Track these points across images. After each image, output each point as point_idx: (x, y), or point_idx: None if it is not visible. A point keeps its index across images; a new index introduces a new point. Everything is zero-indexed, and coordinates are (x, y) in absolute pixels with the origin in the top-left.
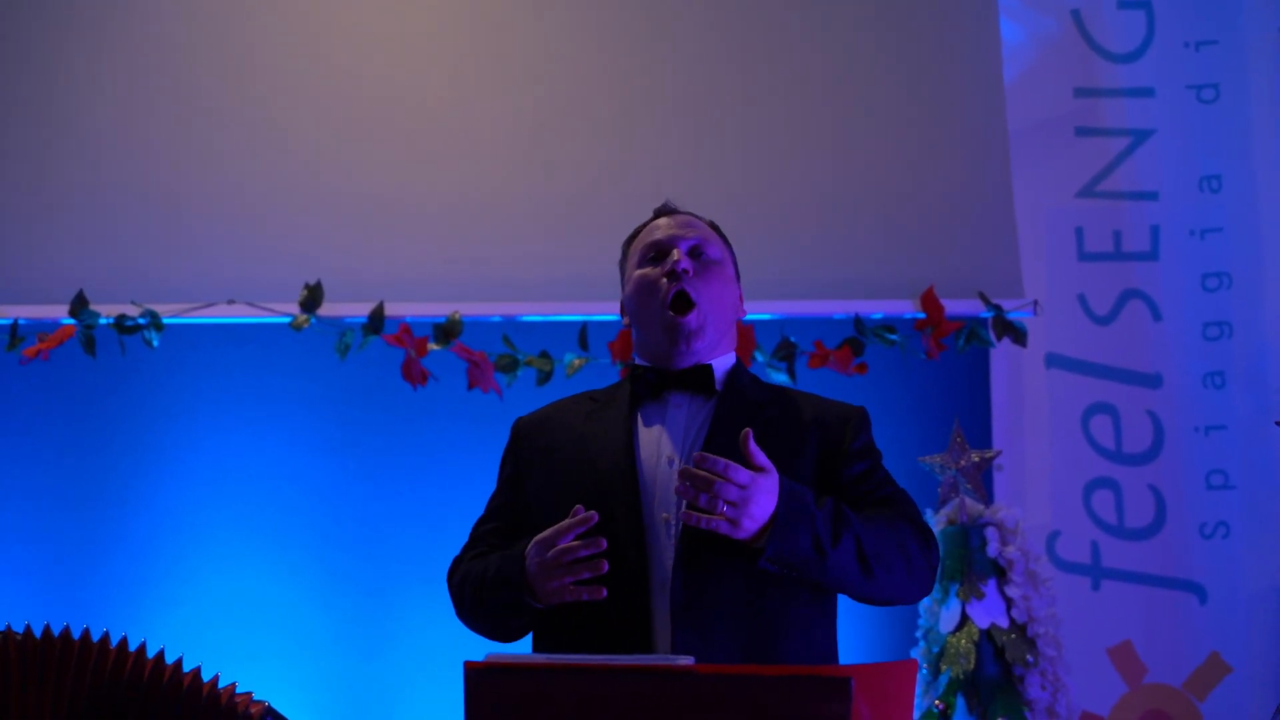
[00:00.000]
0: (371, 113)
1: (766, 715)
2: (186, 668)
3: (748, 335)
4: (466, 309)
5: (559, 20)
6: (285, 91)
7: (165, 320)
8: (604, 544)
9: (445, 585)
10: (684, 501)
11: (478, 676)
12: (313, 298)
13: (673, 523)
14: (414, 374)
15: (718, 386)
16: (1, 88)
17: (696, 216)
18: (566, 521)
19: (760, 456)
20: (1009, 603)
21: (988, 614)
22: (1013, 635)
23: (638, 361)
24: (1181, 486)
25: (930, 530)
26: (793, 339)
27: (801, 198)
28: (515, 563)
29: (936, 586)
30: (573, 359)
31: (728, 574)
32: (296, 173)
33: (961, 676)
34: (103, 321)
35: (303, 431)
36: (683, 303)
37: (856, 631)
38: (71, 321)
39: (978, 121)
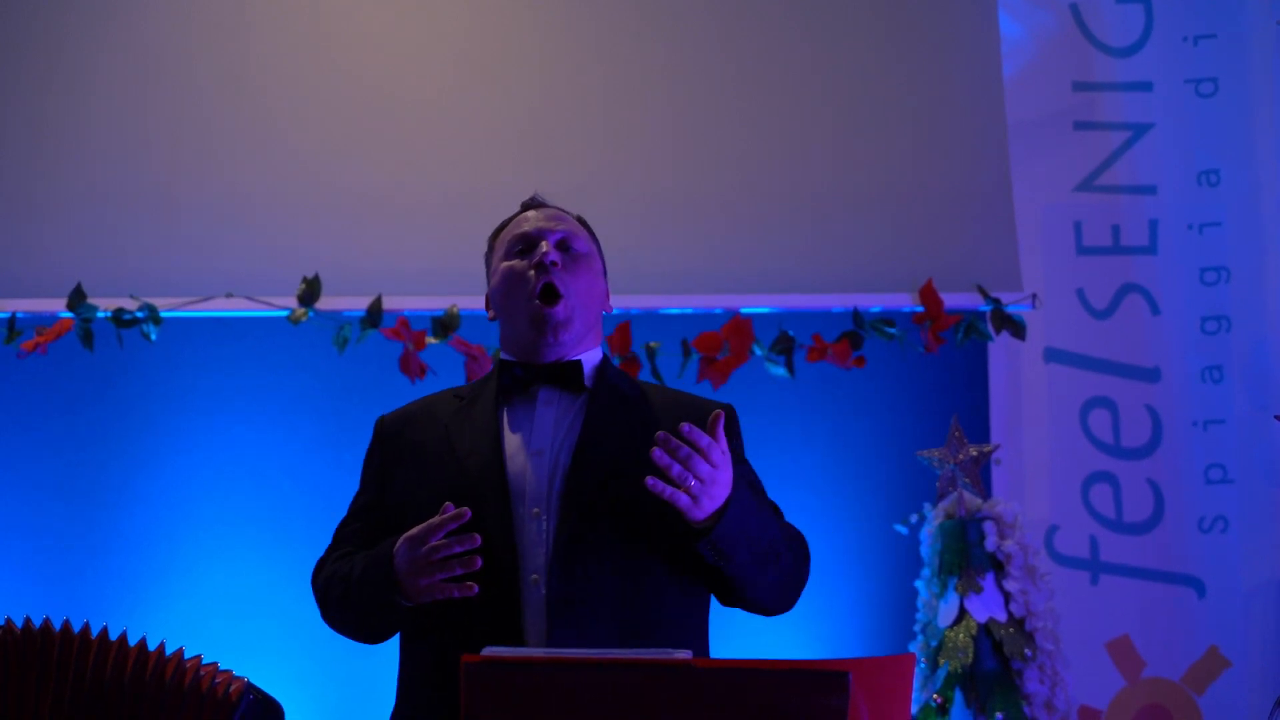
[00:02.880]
0: (370, 106)
1: (764, 709)
2: (176, 658)
3: (745, 329)
4: (465, 302)
5: (556, 15)
6: (283, 86)
7: (163, 314)
8: (477, 540)
9: None
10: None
11: (475, 670)
12: (311, 291)
13: (544, 518)
14: (412, 367)
15: (587, 382)
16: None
17: (564, 211)
18: (437, 518)
19: (723, 442)
20: (1007, 597)
21: (986, 608)
22: (1011, 629)
23: (503, 356)
24: (1180, 481)
25: (807, 547)
26: (791, 333)
27: (800, 192)
28: (383, 561)
29: (935, 580)
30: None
31: (604, 568)
32: (294, 166)
33: (960, 671)
34: (100, 315)
35: (300, 425)
36: (550, 294)
37: (854, 626)
38: (69, 315)
39: (976, 115)
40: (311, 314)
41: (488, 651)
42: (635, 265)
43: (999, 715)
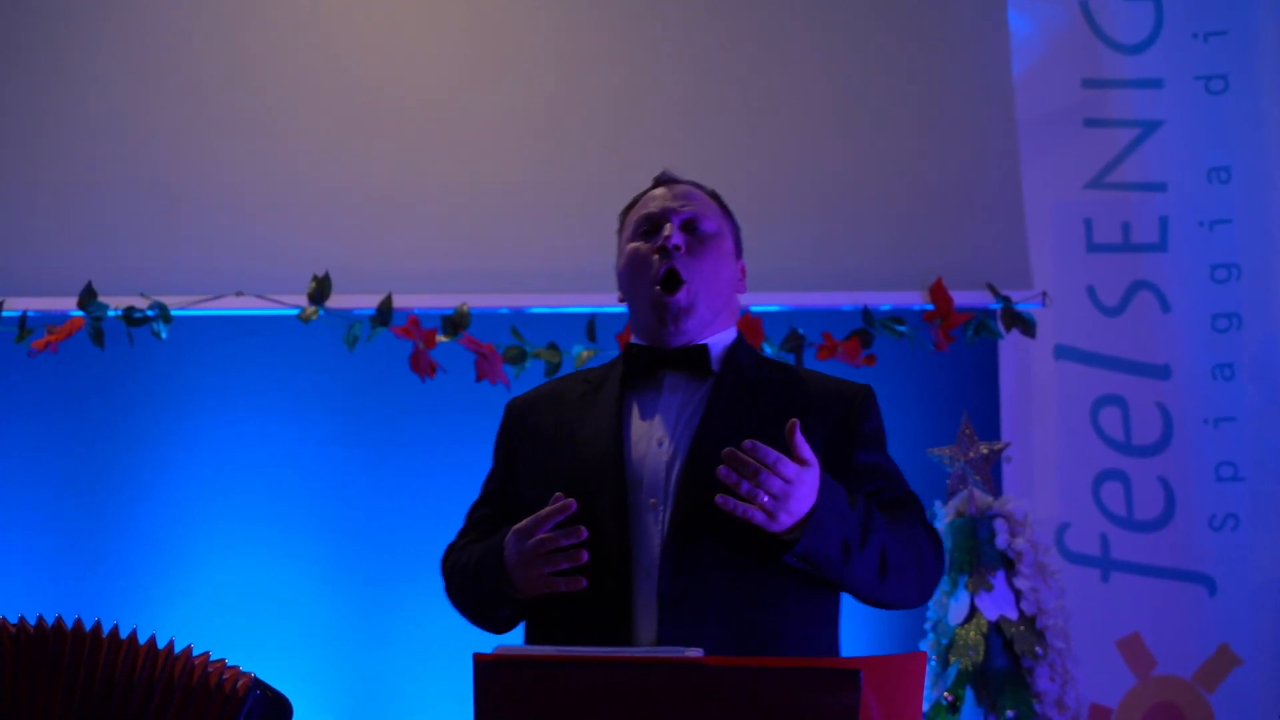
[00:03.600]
0: (380, 104)
1: (775, 707)
2: (185, 655)
3: (755, 327)
4: (475, 301)
5: (566, 10)
6: (293, 83)
7: (173, 312)
8: (584, 534)
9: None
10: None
11: (486, 669)
12: (321, 290)
13: (661, 509)
14: (422, 366)
15: (714, 366)
16: (8, 81)
17: (697, 186)
18: (544, 510)
19: (805, 449)
20: (1018, 595)
21: (996, 606)
22: (1021, 627)
23: (632, 340)
24: (1191, 478)
25: (940, 540)
26: (801, 330)
27: (810, 189)
28: (494, 554)
29: (945, 578)
30: (581, 350)
31: (719, 562)
32: (305, 165)
33: (970, 668)
34: (111, 313)
35: (310, 423)
36: (672, 281)
37: (865, 624)
38: (80, 314)
39: (986, 113)
40: (322, 312)
41: (500, 649)
42: None
43: (1010, 713)
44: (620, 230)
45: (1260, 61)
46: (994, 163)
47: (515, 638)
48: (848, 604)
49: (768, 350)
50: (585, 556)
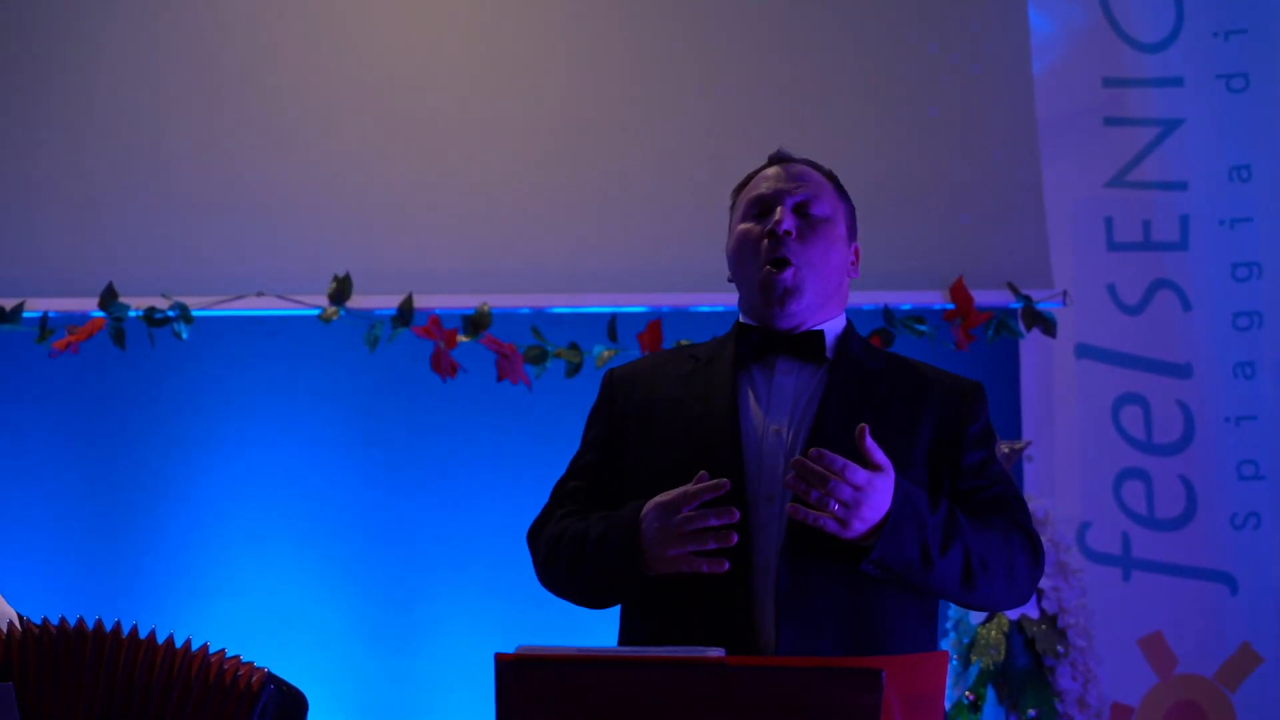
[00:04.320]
0: (401, 105)
1: (798, 707)
2: (202, 653)
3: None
4: (495, 301)
5: (586, 11)
6: (315, 85)
7: (194, 313)
8: (736, 515)
9: (475, 577)
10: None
11: (508, 669)
12: (342, 290)
13: (779, 502)
14: (443, 366)
15: (828, 353)
16: (31, 84)
17: (813, 166)
18: (695, 486)
19: (878, 454)
20: (1039, 594)
21: None
22: (1043, 626)
23: (742, 320)
24: (1212, 477)
25: (1039, 540)
26: None
27: None
28: (628, 525)
29: None
30: (602, 351)
31: (834, 563)
32: (326, 165)
33: (992, 667)
34: (132, 314)
35: (331, 423)
36: (781, 263)
37: None
38: (101, 314)
39: (1007, 112)
40: (343, 312)
41: (521, 649)
42: (665, 263)
43: (1031, 712)
44: (732, 209)
45: None
46: (1014, 162)
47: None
48: None
49: None
50: (735, 538)
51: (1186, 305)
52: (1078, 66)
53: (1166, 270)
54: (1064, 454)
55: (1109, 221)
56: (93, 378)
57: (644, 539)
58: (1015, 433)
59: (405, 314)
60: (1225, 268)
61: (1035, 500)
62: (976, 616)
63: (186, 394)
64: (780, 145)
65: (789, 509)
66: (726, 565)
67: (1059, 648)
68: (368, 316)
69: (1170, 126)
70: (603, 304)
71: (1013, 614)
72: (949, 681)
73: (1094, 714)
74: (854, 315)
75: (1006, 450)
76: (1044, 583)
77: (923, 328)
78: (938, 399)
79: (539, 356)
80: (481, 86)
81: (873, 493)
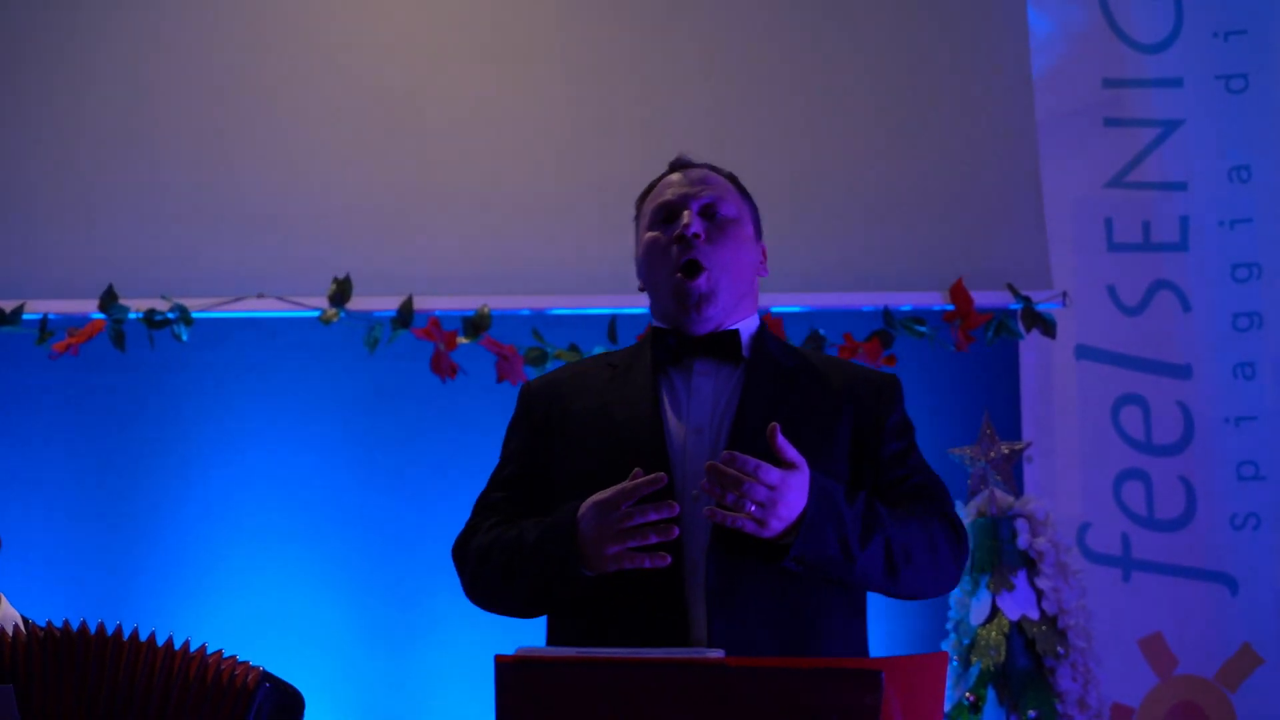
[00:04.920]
0: (401, 107)
1: (798, 708)
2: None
3: (776, 327)
4: (495, 302)
5: (588, 13)
6: (314, 87)
7: (194, 314)
8: (676, 508)
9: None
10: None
11: (508, 670)
12: (341, 291)
13: (704, 501)
14: (443, 367)
15: (744, 353)
16: (31, 85)
17: (714, 169)
18: (633, 482)
19: (791, 452)
20: (1039, 594)
21: (1018, 606)
22: (1043, 627)
23: (656, 324)
24: (1212, 477)
25: (962, 526)
26: (821, 331)
27: (830, 191)
28: (565, 527)
29: (967, 578)
30: (602, 352)
31: (761, 558)
32: (325, 167)
33: (992, 668)
34: (132, 316)
35: (331, 424)
36: (693, 269)
37: (887, 624)
38: (101, 316)
39: (1006, 113)
40: (342, 314)
41: (521, 650)
42: None
43: (1032, 713)
44: (637, 218)
45: None
46: (1014, 162)
47: (535, 629)
48: (869, 607)
49: None
50: (677, 532)
51: (1186, 306)
52: (1077, 67)
53: (1166, 271)
54: (1064, 455)
55: (1109, 222)
56: (93, 379)
57: (583, 538)
58: (1015, 433)
59: (405, 316)
60: (1225, 268)
61: (1035, 501)
62: (977, 618)
63: (186, 396)
64: (778, 146)
65: (706, 513)
66: (669, 559)
67: (1059, 648)
68: (367, 318)
69: (1170, 127)
70: (602, 305)
71: (1013, 614)
72: (949, 682)
73: (1094, 715)
74: (853, 316)
75: (1007, 451)
76: (1044, 583)
77: (923, 329)
78: (855, 393)
79: (539, 358)
80: (481, 89)
81: (787, 491)
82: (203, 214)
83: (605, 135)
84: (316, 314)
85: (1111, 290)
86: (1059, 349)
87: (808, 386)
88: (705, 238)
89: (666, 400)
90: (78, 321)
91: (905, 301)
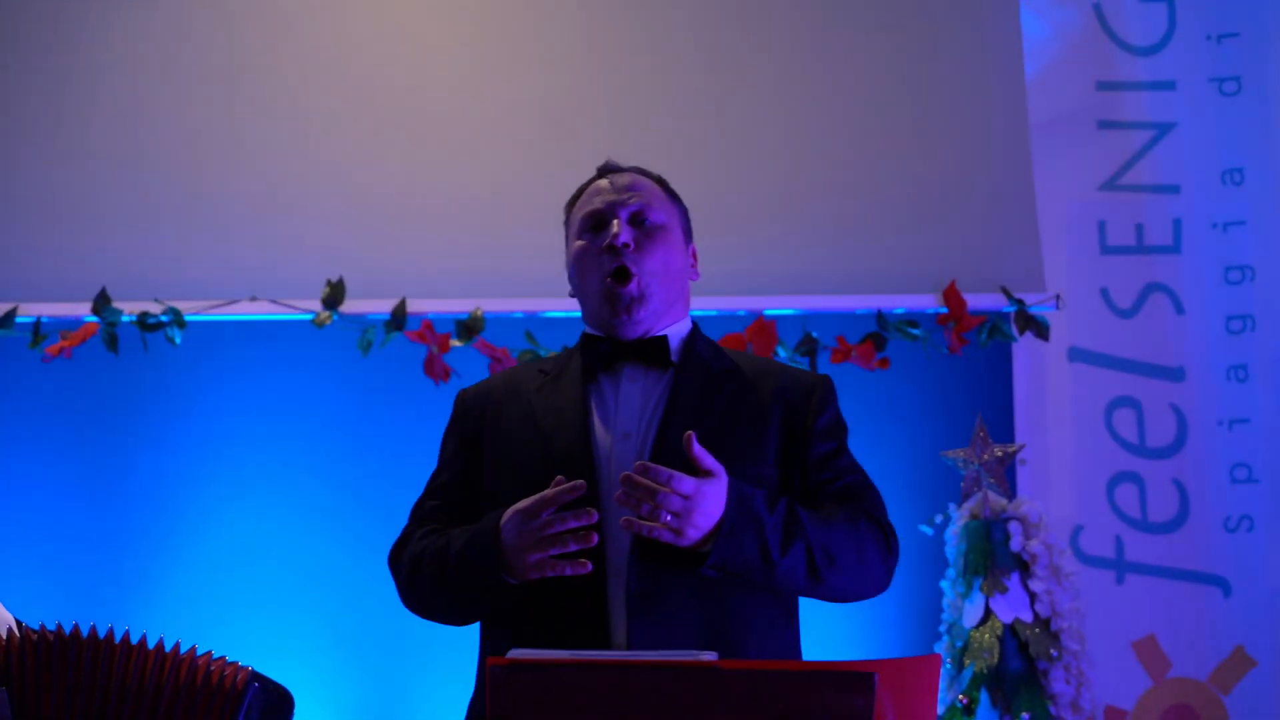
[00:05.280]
0: (393, 109)
1: (790, 710)
2: (189, 656)
3: (769, 330)
4: (489, 305)
5: (581, 16)
6: (306, 89)
7: (188, 317)
8: (595, 516)
9: None
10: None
11: (500, 673)
12: (335, 294)
13: (625, 509)
14: (436, 370)
15: (673, 357)
16: (22, 87)
17: (642, 173)
18: (553, 490)
19: (707, 460)
20: (1032, 597)
21: (1011, 608)
22: (1036, 630)
23: (588, 331)
24: (1205, 480)
25: (890, 528)
26: (815, 334)
27: (823, 193)
28: (488, 535)
29: (960, 581)
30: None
31: (686, 562)
32: (319, 169)
33: (985, 671)
34: (125, 319)
35: (324, 427)
36: (623, 275)
37: (879, 626)
38: (94, 319)
39: (999, 115)
40: (336, 317)
41: (514, 653)
42: None
43: (1025, 715)
44: (566, 224)
45: (1273, 63)
46: (1007, 165)
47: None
48: (853, 606)
49: (781, 354)
50: (596, 539)
51: (1179, 308)
52: (1070, 69)
53: (1159, 274)
54: (1057, 457)
55: (1102, 225)
56: (86, 383)
57: (505, 547)
58: (1008, 436)
59: (398, 318)
60: (1218, 271)
61: (1028, 504)
62: (970, 620)
63: (179, 399)
64: (772, 148)
65: (622, 523)
66: (590, 566)
67: (1052, 651)
68: (361, 321)
69: (1163, 130)
70: None
71: (1006, 617)
72: (942, 685)
73: (1087, 717)
74: (847, 319)
75: (1000, 453)
76: (1037, 586)
77: (916, 331)
78: (785, 396)
79: (532, 360)
80: (474, 91)
81: (703, 500)
82: (196, 217)
83: (597, 140)
84: (310, 317)
85: (1105, 293)
86: (1052, 351)
87: (737, 390)
88: (634, 246)
89: (595, 406)
90: (71, 325)
91: (898, 304)
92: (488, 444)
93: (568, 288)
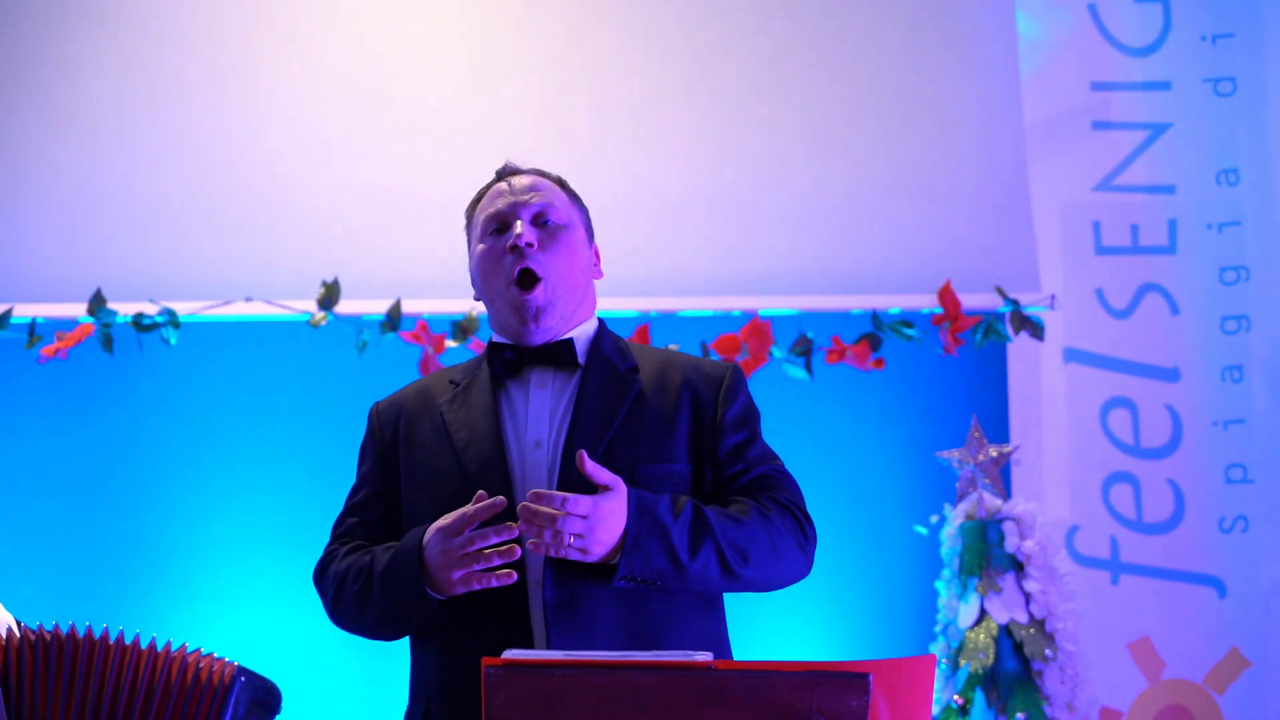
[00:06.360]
0: (388, 109)
1: (785, 710)
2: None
3: (764, 331)
4: (483, 306)
5: (575, 16)
6: (301, 88)
7: (183, 318)
8: (515, 531)
9: None
10: (562, 490)
11: (497, 674)
12: (330, 295)
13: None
14: (431, 371)
15: (580, 359)
16: (18, 88)
17: (542, 174)
18: (473, 507)
19: (602, 475)
20: (1028, 597)
21: (1006, 609)
22: (1031, 630)
23: (494, 338)
24: (1200, 481)
25: (804, 514)
26: (810, 335)
27: (818, 194)
28: (411, 553)
29: (955, 581)
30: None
31: (597, 580)
32: (313, 170)
33: (980, 671)
34: (120, 320)
35: (319, 427)
36: (528, 279)
37: (874, 627)
38: (90, 320)
39: (994, 116)
40: (331, 318)
41: (508, 654)
42: (654, 268)
43: (1020, 716)
44: (467, 228)
45: (1268, 64)
46: (1002, 166)
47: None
48: (849, 607)
49: (776, 355)
50: (519, 553)
51: (1174, 309)
52: (1065, 70)
53: (1154, 274)
54: (1052, 458)
55: (1097, 225)
56: (81, 383)
57: (429, 565)
58: (1003, 436)
59: (393, 319)
60: (1213, 272)
61: (1023, 504)
62: (965, 621)
63: (175, 399)
64: (767, 149)
65: (529, 546)
66: (515, 577)
67: (1047, 652)
68: (356, 322)
69: (1158, 130)
70: None
71: (1001, 618)
72: (937, 685)
73: (1082, 718)
74: (842, 319)
75: (995, 454)
76: (1033, 586)
77: (911, 332)
78: (692, 389)
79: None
80: (470, 91)
81: (602, 516)
82: (191, 218)
83: (592, 140)
84: (305, 317)
85: (1100, 293)
86: (1047, 352)
87: (645, 388)
88: (538, 245)
89: (506, 416)
90: (66, 325)
91: (893, 304)
92: (403, 458)
93: None
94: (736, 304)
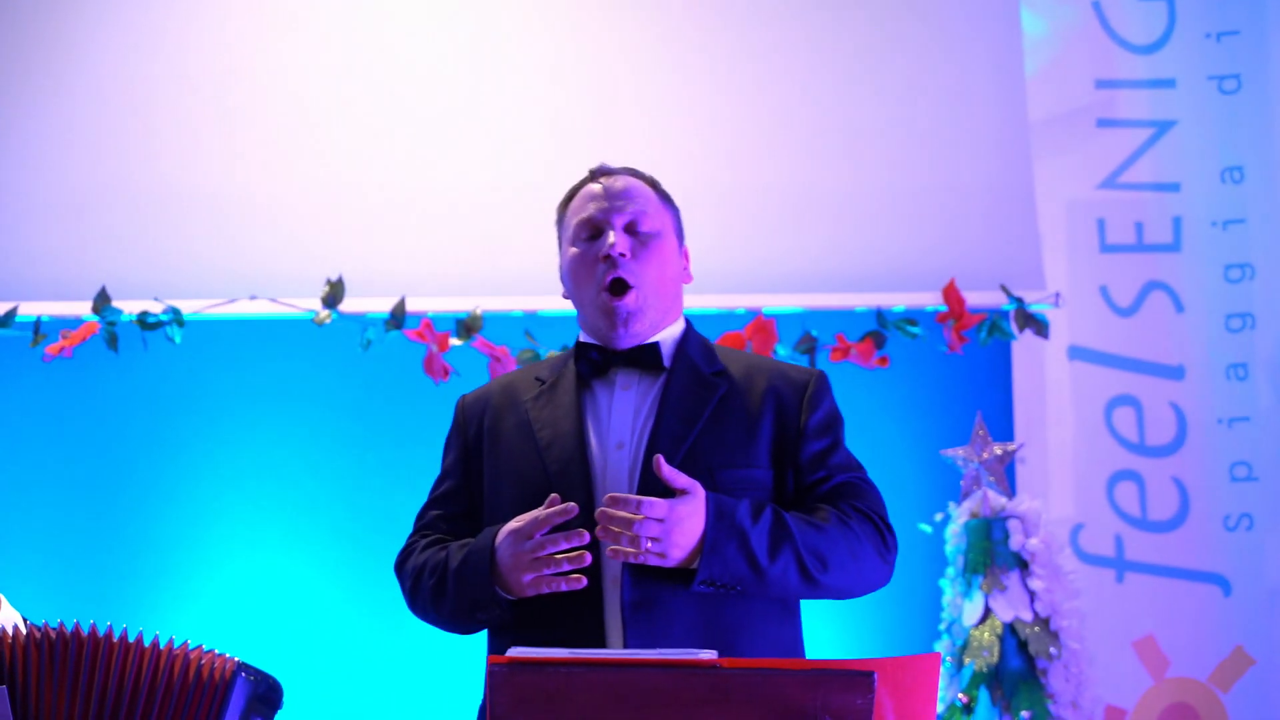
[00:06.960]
0: (393, 108)
1: (790, 709)
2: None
3: (769, 329)
4: (488, 304)
5: (579, 15)
6: (307, 88)
7: (187, 316)
8: (586, 537)
9: None
10: (643, 492)
11: (501, 672)
12: (334, 293)
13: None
14: (435, 369)
15: (666, 362)
16: (18, 87)
17: (635, 174)
18: (544, 512)
19: (679, 480)
20: (1032, 595)
21: (1011, 607)
22: (1036, 628)
23: (582, 339)
24: (1205, 478)
25: (886, 523)
26: (814, 333)
27: (823, 191)
28: (483, 554)
29: (960, 579)
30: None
31: (677, 584)
32: (318, 168)
33: (985, 670)
34: (125, 318)
35: (324, 426)
36: (619, 287)
37: (879, 625)
38: (94, 318)
39: (999, 113)
40: (335, 316)
41: (513, 652)
42: None
43: (1024, 714)
44: (558, 224)
45: (1273, 61)
46: (1007, 163)
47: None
48: (853, 605)
49: (781, 353)
50: (589, 559)
51: (1179, 307)
52: (1070, 68)
53: (1159, 272)
54: (1057, 456)
55: (1101, 223)
56: (86, 382)
57: (500, 566)
58: (1008, 434)
59: (398, 317)
60: (1218, 269)
61: (1028, 502)
62: (970, 619)
63: (180, 398)
64: (770, 147)
65: (609, 553)
66: (585, 582)
67: (1052, 650)
68: (360, 320)
69: (1163, 128)
70: None
71: (1006, 616)
72: (942, 684)
73: (1087, 716)
74: (846, 317)
75: (999, 452)
76: (1037, 585)
77: (916, 330)
78: (777, 395)
79: (531, 360)
80: (473, 90)
81: (680, 520)
82: (196, 216)
83: (597, 138)
84: (310, 315)
85: (1104, 291)
86: (1052, 350)
87: (729, 392)
88: (631, 255)
89: (590, 416)
90: (71, 324)
91: (898, 302)
92: (487, 453)
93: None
94: (741, 301)
